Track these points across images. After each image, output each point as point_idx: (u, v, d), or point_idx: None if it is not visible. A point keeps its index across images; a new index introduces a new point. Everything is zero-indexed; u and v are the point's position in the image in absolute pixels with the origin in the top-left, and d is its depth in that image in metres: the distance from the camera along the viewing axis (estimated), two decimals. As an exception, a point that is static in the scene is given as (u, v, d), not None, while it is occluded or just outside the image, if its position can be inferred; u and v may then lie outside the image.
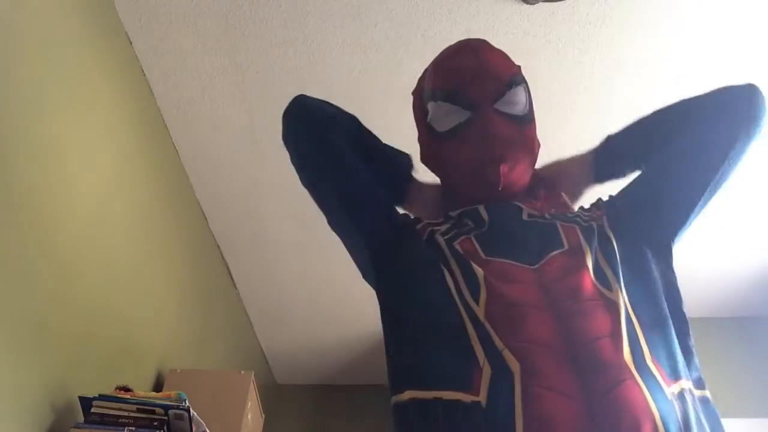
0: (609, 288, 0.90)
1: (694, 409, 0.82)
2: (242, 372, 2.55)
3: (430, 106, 1.10)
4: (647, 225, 1.01)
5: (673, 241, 1.02)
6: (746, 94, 1.00)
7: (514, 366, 0.80)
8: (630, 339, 0.84)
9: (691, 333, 0.93)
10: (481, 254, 0.95)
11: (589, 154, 1.13)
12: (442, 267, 0.95)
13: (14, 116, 1.60)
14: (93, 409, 1.72)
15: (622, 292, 0.89)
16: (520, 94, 1.07)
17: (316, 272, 3.39)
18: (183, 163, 2.74)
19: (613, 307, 0.87)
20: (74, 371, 1.79)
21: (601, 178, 1.13)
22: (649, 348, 0.85)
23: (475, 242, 0.98)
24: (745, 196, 2.80)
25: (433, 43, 2.24)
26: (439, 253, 0.98)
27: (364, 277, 1.11)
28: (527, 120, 1.07)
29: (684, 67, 2.31)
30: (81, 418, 1.73)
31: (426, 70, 1.17)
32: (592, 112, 2.44)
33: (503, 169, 1.01)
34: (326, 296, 3.57)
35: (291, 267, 3.37)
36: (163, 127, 2.54)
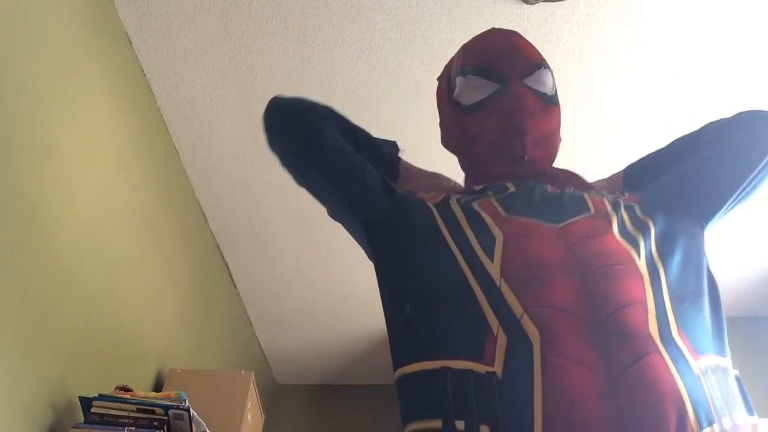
0: (638, 255, 0.86)
1: (720, 384, 0.78)
2: (242, 372, 2.55)
3: (458, 80, 1.09)
4: (683, 206, 0.98)
5: (705, 225, 0.99)
6: None
7: (533, 334, 0.75)
8: (657, 309, 0.80)
9: (723, 314, 0.89)
10: (502, 213, 0.92)
11: (620, 172, 1.14)
12: (447, 234, 0.91)
13: (14, 116, 1.60)
14: (93, 409, 1.72)
15: (654, 261, 0.86)
16: (548, 77, 1.07)
17: (316, 272, 3.39)
18: (183, 163, 2.74)
19: (639, 275, 0.83)
20: (74, 371, 1.79)
21: (630, 185, 1.10)
22: (677, 321, 0.80)
23: (495, 203, 0.95)
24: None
25: (433, 43, 2.24)
26: (448, 218, 0.94)
27: (369, 257, 1.07)
28: (554, 101, 1.07)
29: (684, 67, 2.31)
30: (81, 418, 1.73)
31: (453, 57, 1.17)
32: (593, 112, 2.44)
33: (529, 141, 1.00)
34: (326, 296, 3.57)
35: (291, 267, 3.37)
36: (163, 127, 2.54)
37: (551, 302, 0.78)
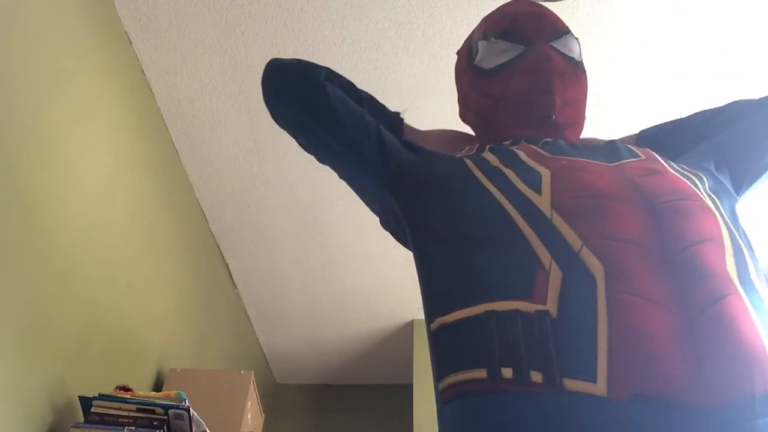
0: (703, 193, 0.79)
1: None
2: (242, 372, 2.55)
3: (481, 45, 1.02)
4: (726, 170, 0.92)
5: (740, 193, 0.93)
6: None
7: (596, 268, 0.67)
8: (734, 248, 0.73)
9: None
10: (545, 153, 0.85)
11: (633, 135, 1.08)
12: (482, 176, 0.82)
13: (14, 116, 1.60)
14: (93, 409, 1.72)
15: (716, 203, 0.79)
16: (575, 44, 1.01)
17: (316, 272, 3.39)
18: (183, 163, 2.74)
19: (710, 212, 0.76)
20: (74, 371, 1.79)
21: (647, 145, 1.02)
22: (753, 263, 0.73)
23: (534, 147, 0.88)
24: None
25: (433, 43, 2.24)
26: (482, 163, 0.85)
27: (383, 226, 0.97)
28: (582, 68, 1.02)
29: (685, 67, 2.31)
30: (81, 418, 1.73)
31: (473, 31, 1.11)
32: (593, 111, 2.43)
33: (557, 100, 0.93)
34: (326, 296, 3.57)
35: (291, 267, 3.37)
36: (163, 127, 2.54)
37: (616, 234, 0.70)
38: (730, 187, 0.91)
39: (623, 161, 0.84)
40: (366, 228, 2.97)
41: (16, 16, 1.63)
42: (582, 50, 1.04)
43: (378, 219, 0.98)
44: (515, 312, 0.66)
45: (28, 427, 1.56)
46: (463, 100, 1.08)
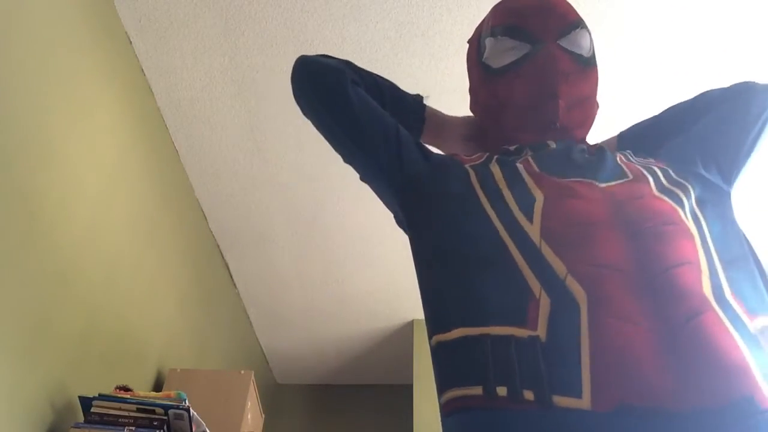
0: (683, 212, 0.83)
1: None
2: (242, 372, 2.55)
3: (488, 42, 1.03)
4: (711, 164, 0.95)
5: (731, 187, 0.96)
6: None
7: (580, 295, 0.72)
8: (710, 270, 0.77)
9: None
10: (542, 171, 0.88)
11: (613, 137, 1.11)
12: (483, 197, 0.87)
13: (14, 116, 1.60)
14: (93, 409, 1.72)
15: (699, 222, 0.83)
16: (585, 37, 1.00)
17: (316, 272, 3.39)
18: (183, 163, 2.74)
19: (690, 236, 0.80)
20: (74, 371, 1.79)
21: (626, 148, 1.06)
22: (729, 283, 0.77)
23: (534, 161, 0.91)
24: (745, 196, 2.80)
25: (433, 43, 2.24)
26: (486, 179, 0.90)
27: (399, 222, 1.02)
28: (591, 63, 1.01)
29: (685, 66, 2.32)
30: (81, 418, 1.73)
31: (484, 18, 1.11)
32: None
33: (562, 104, 0.95)
34: (326, 296, 3.57)
35: (291, 267, 3.37)
36: (163, 127, 2.54)
37: (598, 261, 0.75)
38: (720, 182, 0.94)
39: (612, 183, 0.87)
40: (366, 228, 2.97)
41: (15, 17, 1.63)
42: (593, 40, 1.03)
43: (392, 217, 1.02)
44: (510, 336, 0.72)
45: (28, 427, 1.56)
46: (473, 94, 1.09)
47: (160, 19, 2.17)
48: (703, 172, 0.93)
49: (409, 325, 3.75)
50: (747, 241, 0.89)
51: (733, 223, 0.90)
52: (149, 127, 2.45)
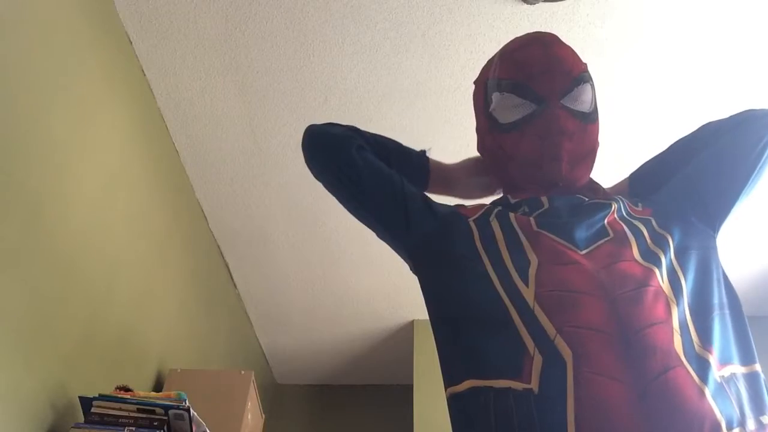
0: (660, 273, 0.91)
1: (748, 389, 0.84)
2: (242, 372, 2.55)
3: (495, 96, 1.09)
4: (694, 212, 1.02)
5: (716, 231, 1.03)
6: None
7: (566, 353, 0.82)
8: (681, 327, 0.86)
9: (746, 322, 0.95)
10: (536, 230, 0.97)
11: (625, 180, 1.20)
12: (486, 258, 0.97)
13: (14, 116, 1.60)
14: (93, 409, 1.72)
15: (676, 278, 0.92)
16: (587, 92, 1.07)
17: (316, 272, 3.39)
18: (183, 163, 2.74)
19: (663, 297, 0.89)
20: (74, 371, 1.79)
21: (635, 193, 1.16)
22: (699, 335, 0.86)
23: (532, 220, 1.00)
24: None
25: (433, 43, 2.24)
26: (487, 238, 0.99)
27: (412, 270, 1.13)
28: (592, 119, 1.07)
29: (685, 67, 2.32)
30: (81, 418, 1.73)
31: (491, 60, 1.16)
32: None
33: (565, 166, 1.02)
34: (326, 296, 3.57)
35: (291, 267, 3.37)
36: (163, 127, 2.54)
37: (582, 323, 0.85)
38: (706, 227, 1.02)
39: (592, 247, 0.95)
40: (366, 228, 2.96)
41: (16, 17, 1.63)
42: (594, 93, 1.09)
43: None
44: (508, 389, 0.84)
45: (28, 427, 1.56)
46: (480, 136, 1.17)
47: (160, 19, 2.17)
48: (691, 217, 1.01)
49: (409, 326, 3.75)
50: (726, 287, 0.97)
51: (713, 270, 0.97)
52: (149, 127, 2.44)
